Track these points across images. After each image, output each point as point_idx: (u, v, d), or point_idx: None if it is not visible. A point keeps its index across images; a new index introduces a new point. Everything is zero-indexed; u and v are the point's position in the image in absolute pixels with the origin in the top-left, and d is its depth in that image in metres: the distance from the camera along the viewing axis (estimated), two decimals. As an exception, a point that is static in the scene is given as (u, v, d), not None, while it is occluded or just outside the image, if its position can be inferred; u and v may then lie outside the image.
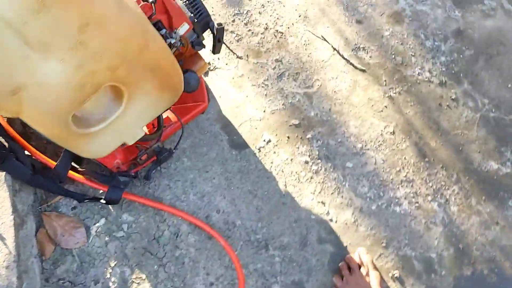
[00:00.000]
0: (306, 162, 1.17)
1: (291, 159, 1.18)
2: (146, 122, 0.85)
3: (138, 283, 1.08)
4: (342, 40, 1.29)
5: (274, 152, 1.19)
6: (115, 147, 0.86)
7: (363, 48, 1.28)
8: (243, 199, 1.14)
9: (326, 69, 1.26)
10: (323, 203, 1.13)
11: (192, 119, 1.21)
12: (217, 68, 1.27)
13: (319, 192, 1.14)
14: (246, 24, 1.31)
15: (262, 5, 1.34)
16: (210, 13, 1.31)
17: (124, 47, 0.61)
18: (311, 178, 1.16)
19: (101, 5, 0.54)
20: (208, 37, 1.08)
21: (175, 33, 0.97)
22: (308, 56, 1.28)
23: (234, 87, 1.25)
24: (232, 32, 1.30)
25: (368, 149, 1.18)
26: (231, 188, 1.16)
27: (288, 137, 1.20)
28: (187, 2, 1.01)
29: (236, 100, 1.24)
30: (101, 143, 0.77)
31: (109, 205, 1.09)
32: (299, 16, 1.32)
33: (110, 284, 1.08)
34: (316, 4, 1.34)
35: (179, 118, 1.07)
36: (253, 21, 1.32)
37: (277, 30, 1.30)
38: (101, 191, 1.09)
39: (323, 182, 1.15)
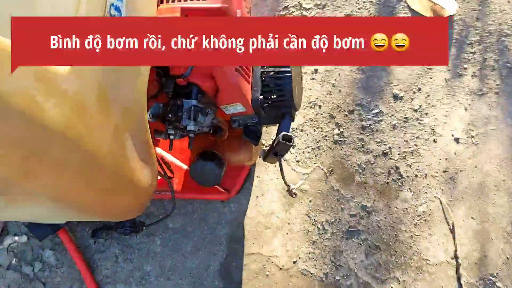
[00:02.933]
0: None
1: None
2: None
3: None
4: (478, 254, 0.77)
5: (265, 326, 0.76)
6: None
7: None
8: None
9: (423, 274, 0.76)
10: None
11: (200, 199, 0.83)
12: (283, 159, 0.83)
13: None
14: (362, 128, 0.84)
15: (405, 119, 0.84)
16: (333, 86, 0.86)
17: None
18: None
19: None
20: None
21: (212, 110, 0.57)
22: (412, 237, 0.78)
23: (283, 199, 0.82)
24: (337, 124, 0.84)
25: None
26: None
27: (297, 322, 0.76)
28: (272, 74, 0.60)
29: (271, 219, 0.81)
30: None
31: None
32: (444, 172, 0.81)
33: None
34: (480, 175, 0.81)
35: (172, 192, 0.67)
36: (375, 130, 0.84)
37: (397, 167, 0.81)
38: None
39: None
